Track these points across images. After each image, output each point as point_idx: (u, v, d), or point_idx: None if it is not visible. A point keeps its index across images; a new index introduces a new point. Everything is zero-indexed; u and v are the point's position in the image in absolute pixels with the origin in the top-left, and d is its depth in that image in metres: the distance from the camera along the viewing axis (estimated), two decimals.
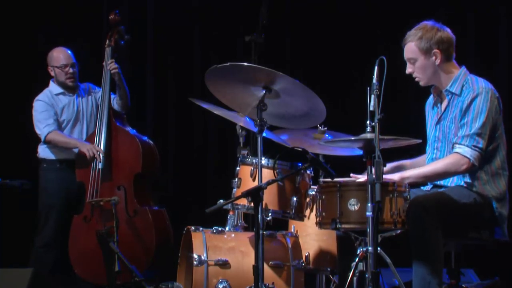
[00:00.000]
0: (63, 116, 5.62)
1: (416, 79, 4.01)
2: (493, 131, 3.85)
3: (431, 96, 4.15)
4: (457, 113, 3.89)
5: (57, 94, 5.64)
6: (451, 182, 3.95)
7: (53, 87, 5.67)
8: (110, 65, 5.53)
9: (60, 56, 5.63)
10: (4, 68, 6.50)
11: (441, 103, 4.04)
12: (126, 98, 5.66)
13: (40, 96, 5.62)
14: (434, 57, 3.92)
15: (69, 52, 5.65)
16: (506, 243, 3.93)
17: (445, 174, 3.85)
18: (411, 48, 3.95)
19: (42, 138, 5.53)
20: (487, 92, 3.83)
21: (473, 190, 3.86)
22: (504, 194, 3.89)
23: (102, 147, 5.42)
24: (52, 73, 5.66)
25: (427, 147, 4.12)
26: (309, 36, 6.46)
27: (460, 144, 3.80)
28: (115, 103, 5.65)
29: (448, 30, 3.97)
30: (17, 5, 6.58)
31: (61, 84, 5.65)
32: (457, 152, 3.80)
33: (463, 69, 3.98)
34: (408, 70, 4.00)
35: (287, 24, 6.54)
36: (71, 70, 5.61)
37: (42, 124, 5.51)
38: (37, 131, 5.55)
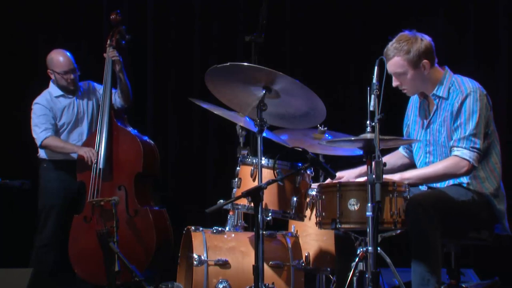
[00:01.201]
0: (63, 119, 5.61)
1: (404, 91, 4.01)
2: (486, 128, 3.87)
3: (417, 98, 4.14)
4: (447, 116, 3.90)
5: (57, 97, 5.63)
6: (448, 180, 3.96)
7: (53, 89, 5.66)
8: (111, 53, 5.52)
9: (60, 60, 5.56)
10: (4, 68, 6.50)
11: (428, 107, 4.04)
12: (128, 91, 5.64)
13: (39, 99, 5.60)
14: (423, 68, 3.91)
15: (69, 55, 5.60)
16: (506, 239, 3.93)
17: (445, 176, 3.86)
18: (398, 62, 3.90)
19: (38, 143, 5.53)
20: (475, 92, 3.85)
21: (470, 189, 3.87)
22: (499, 189, 3.92)
23: (103, 147, 5.42)
24: (52, 76, 5.64)
25: (414, 149, 4.12)
26: (309, 36, 6.46)
27: (457, 147, 3.82)
28: (117, 97, 5.63)
29: (426, 36, 3.95)
30: (17, 4, 6.58)
31: (61, 87, 5.63)
32: (456, 155, 3.81)
33: (447, 71, 3.99)
34: (395, 83, 3.97)
35: (287, 24, 6.54)
36: (72, 77, 5.57)
37: (39, 129, 5.51)
38: (34, 135, 5.54)
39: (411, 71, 3.91)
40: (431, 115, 4.00)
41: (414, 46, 3.88)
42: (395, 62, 3.91)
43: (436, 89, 3.95)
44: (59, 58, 5.58)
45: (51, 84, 5.67)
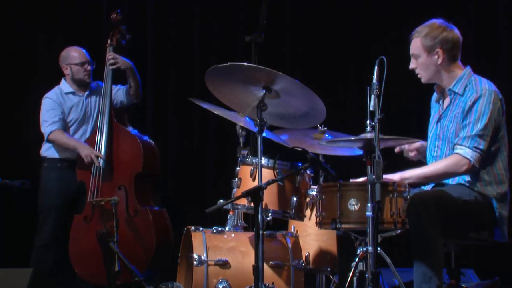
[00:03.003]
0: (71, 116, 5.62)
1: (418, 76, 4.01)
2: (495, 133, 3.84)
3: (435, 92, 4.15)
4: (458, 113, 3.89)
5: (67, 93, 5.65)
6: (453, 180, 3.95)
7: (64, 86, 5.67)
8: (109, 59, 5.54)
9: (77, 54, 5.65)
10: (4, 68, 6.50)
11: (443, 101, 4.04)
12: (138, 87, 5.66)
13: (49, 94, 5.63)
14: (436, 56, 3.92)
15: (84, 50, 5.69)
16: (505, 244, 3.93)
17: (445, 174, 3.84)
18: (416, 44, 3.96)
19: (45, 137, 5.55)
20: (490, 94, 3.82)
21: (474, 190, 3.85)
22: (505, 195, 3.88)
23: (103, 147, 5.42)
24: (67, 71, 5.65)
25: (428, 143, 4.12)
26: (309, 36, 6.46)
27: (461, 145, 3.80)
28: (125, 94, 5.65)
29: (456, 31, 3.96)
30: (17, 4, 6.58)
31: (76, 81, 5.65)
32: (457, 153, 3.80)
33: (468, 69, 3.97)
34: (411, 65, 4.00)
35: (287, 24, 6.54)
36: (89, 68, 5.64)
37: (47, 123, 5.53)
38: (42, 129, 5.56)
39: (424, 55, 3.93)
40: (444, 109, 4.00)
41: (433, 32, 3.91)
42: (413, 43, 3.97)
43: (453, 84, 3.94)
44: (75, 51, 5.67)
45: (62, 81, 5.69)
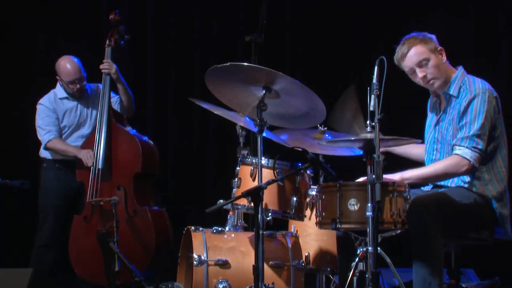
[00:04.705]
0: (64, 121, 5.61)
1: (431, 82, 3.96)
2: (492, 131, 3.85)
3: (431, 97, 4.15)
4: (455, 115, 3.89)
5: (61, 98, 5.63)
6: (451, 182, 3.95)
7: (59, 90, 5.65)
8: (103, 65, 5.52)
9: (66, 70, 5.53)
10: (4, 68, 6.50)
11: (440, 105, 4.05)
12: (130, 101, 5.63)
13: (43, 100, 5.61)
14: (440, 55, 3.95)
15: (77, 64, 5.56)
16: (507, 242, 3.93)
17: (445, 175, 3.85)
18: (419, 50, 3.92)
19: (43, 145, 5.56)
20: (484, 93, 3.83)
21: (473, 191, 3.86)
22: (504, 194, 3.89)
23: (102, 147, 5.42)
24: (59, 81, 5.63)
25: (426, 147, 4.12)
26: (309, 36, 6.46)
27: (459, 145, 3.80)
28: (119, 106, 5.64)
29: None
30: (17, 4, 6.58)
31: (67, 92, 5.63)
32: (457, 154, 3.80)
33: (460, 70, 3.98)
34: (421, 74, 3.94)
35: (287, 24, 6.54)
36: (77, 86, 5.56)
37: (43, 131, 5.53)
38: (39, 137, 5.57)
39: (433, 55, 3.92)
40: (441, 112, 4.01)
41: (426, 36, 3.95)
42: (416, 51, 3.92)
43: (447, 87, 3.95)
44: (66, 67, 5.54)
45: (58, 85, 5.66)
